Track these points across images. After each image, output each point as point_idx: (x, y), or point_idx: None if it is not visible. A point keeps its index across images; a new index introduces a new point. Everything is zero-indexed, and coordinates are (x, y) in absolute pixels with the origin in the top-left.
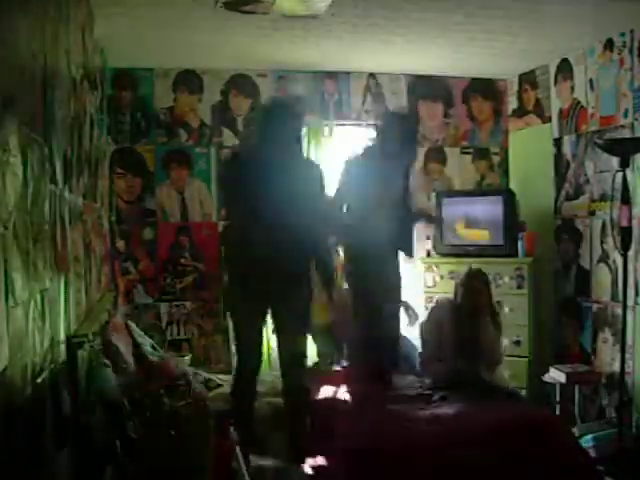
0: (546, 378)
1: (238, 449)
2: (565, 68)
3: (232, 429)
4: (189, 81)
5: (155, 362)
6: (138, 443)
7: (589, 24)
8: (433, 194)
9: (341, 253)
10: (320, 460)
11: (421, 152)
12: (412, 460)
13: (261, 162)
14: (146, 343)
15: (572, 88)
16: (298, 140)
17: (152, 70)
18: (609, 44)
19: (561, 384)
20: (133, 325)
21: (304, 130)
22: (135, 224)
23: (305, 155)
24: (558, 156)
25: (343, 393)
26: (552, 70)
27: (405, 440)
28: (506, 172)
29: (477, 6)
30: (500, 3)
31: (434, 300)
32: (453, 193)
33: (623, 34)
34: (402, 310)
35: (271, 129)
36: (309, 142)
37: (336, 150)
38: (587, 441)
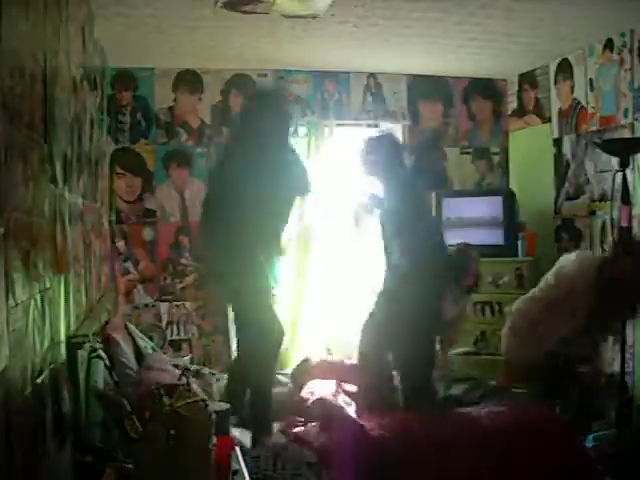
0: None
1: (238, 449)
2: (565, 68)
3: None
4: (189, 81)
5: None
6: (138, 443)
7: (589, 24)
8: (433, 194)
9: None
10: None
11: None
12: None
13: (240, 154)
14: (147, 345)
15: (572, 88)
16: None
17: (152, 70)
18: (609, 44)
19: None
20: (132, 327)
21: (287, 124)
22: (135, 224)
23: (290, 153)
24: (558, 156)
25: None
26: (552, 70)
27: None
28: (506, 172)
29: (477, 6)
30: (500, 3)
31: None
32: (453, 193)
33: (623, 34)
34: None
35: (254, 120)
36: (309, 142)
37: (336, 150)
38: (587, 441)
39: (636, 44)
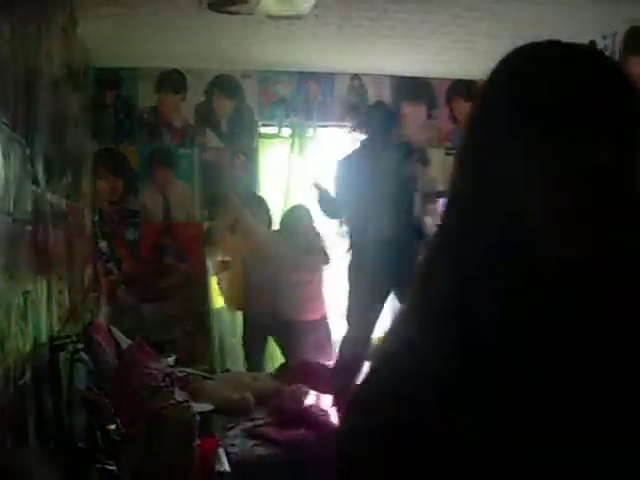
0: None
1: (222, 450)
2: None
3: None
4: (173, 81)
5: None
6: (121, 445)
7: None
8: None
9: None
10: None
11: None
12: None
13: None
14: None
15: None
16: None
17: (136, 70)
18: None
19: None
20: (115, 329)
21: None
22: (118, 224)
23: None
24: None
25: None
26: None
27: None
28: None
29: (462, 8)
30: (484, 5)
31: None
32: (438, 194)
33: (604, 37)
34: None
35: None
36: (293, 143)
37: (320, 151)
38: None
39: (618, 46)
